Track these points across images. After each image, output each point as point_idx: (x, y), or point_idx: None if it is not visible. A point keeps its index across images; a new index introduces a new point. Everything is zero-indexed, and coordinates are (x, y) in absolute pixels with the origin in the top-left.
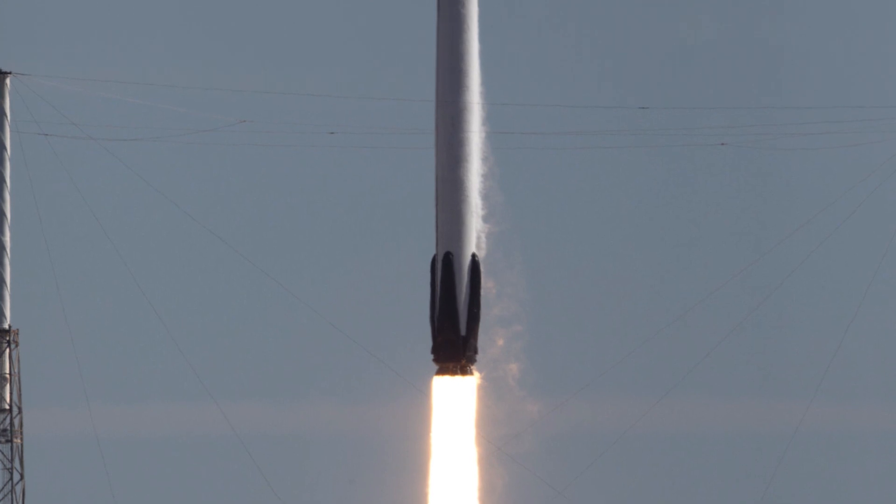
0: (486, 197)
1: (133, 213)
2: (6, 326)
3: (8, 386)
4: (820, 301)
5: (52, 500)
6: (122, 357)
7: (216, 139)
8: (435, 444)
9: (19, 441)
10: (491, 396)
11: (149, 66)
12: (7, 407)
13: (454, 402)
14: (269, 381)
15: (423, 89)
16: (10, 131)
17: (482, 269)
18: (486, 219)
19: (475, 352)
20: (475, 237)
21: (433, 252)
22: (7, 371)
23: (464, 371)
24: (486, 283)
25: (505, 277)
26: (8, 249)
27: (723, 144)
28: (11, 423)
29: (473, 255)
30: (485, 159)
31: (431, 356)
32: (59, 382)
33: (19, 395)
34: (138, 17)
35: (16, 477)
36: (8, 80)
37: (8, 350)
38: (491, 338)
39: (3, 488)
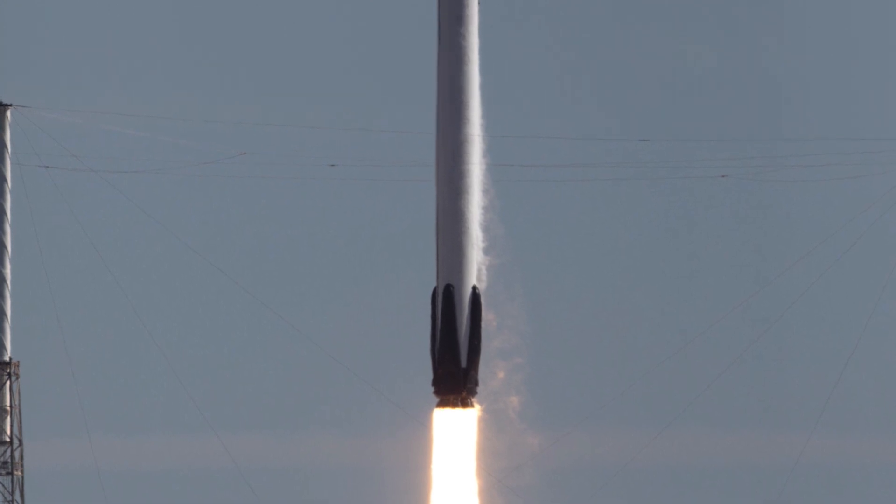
0: (486, 229)
1: (134, 245)
2: (7, 358)
3: (8, 418)
4: (820, 333)
5: None
6: (123, 389)
7: (217, 171)
8: (436, 476)
9: (20, 473)
10: (492, 429)
11: (149, 99)
12: (7, 439)
13: (455, 434)
14: (270, 413)
15: (424, 121)
16: (11, 163)
17: (483, 301)
18: (486, 251)
19: (476, 384)
20: (476, 269)
21: (434, 284)
22: (7, 403)
23: (464, 403)
24: (487, 316)
25: (505, 310)
26: (9, 281)
27: (723, 177)
28: (12, 456)
29: (474, 288)
30: (485, 191)
31: (432, 388)
32: (60, 414)
33: (20, 428)
34: (138, 50)
35: None
36: (9, 113)
37: (8, 382)
38: (491, 370)
39: None
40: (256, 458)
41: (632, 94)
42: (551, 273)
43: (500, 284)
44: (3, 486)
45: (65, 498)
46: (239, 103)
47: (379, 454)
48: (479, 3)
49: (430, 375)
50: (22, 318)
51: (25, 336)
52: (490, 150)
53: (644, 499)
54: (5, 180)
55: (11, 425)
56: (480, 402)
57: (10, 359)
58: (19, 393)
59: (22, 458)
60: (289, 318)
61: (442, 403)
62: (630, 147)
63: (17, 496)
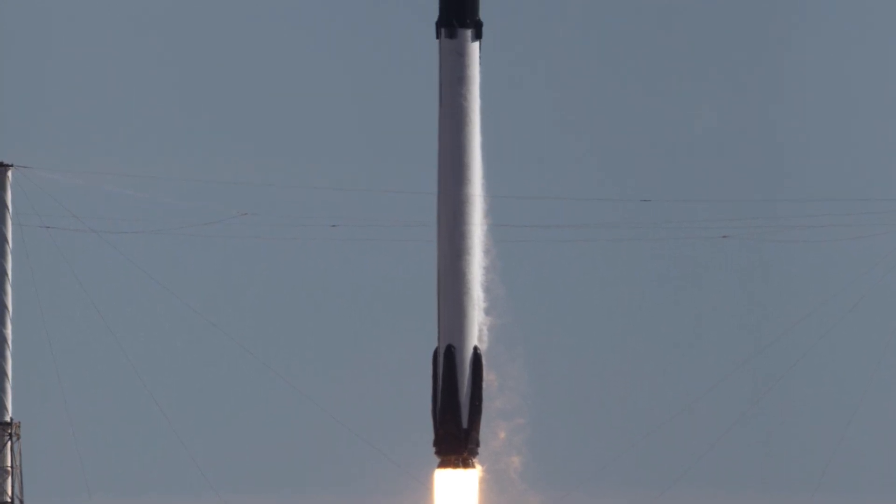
0: (487, 290)
1: (134, 305)
2: (7, 419)
3: (9, 479)
4: (822, 394)
5: None
6: (124, 450)
7: (218, 232)
8: None
9: None
10: (493, 489)
11: (150, 159)
12: (9, 500)
13: (456, 494)
14: (272, 473)
15: (425, 182)
16: (12, 224)
17: (484, 361)
18: (487, 311)
19: (477, 445)
20: (477, 330)
21: (435, 345)
22: (8, 464)
23: (465, 464)
24: (488, 376)
25: (507, 370)
26: (9, 342)
27: (725, 237)
28: None
29: (475, 348)
30: (487, 252)
31: (433, 449)
32: (61, 475)
33: (20, 489)
34: (139, 110)
35: None
36: (9, 173)
37: (9, 443)
38: (493, 431)
39: None
40: None
41: (633, 155)
42: (552, 333)
43: (501, 345)
44: None
45: None
46: (239, 164)
47: None
48: (480, 64)
49: (431, 436)
50: (23, 378)
51: (26, 396)
52: (491, 211)
53: None
54: (6, 240)
55: (12, 486)
56: (482, 463)
57: (11, 419)
58: (20, 453)
59: None
60: (290, 378)
61: (443, 464)
62: (631, 207)
63: None
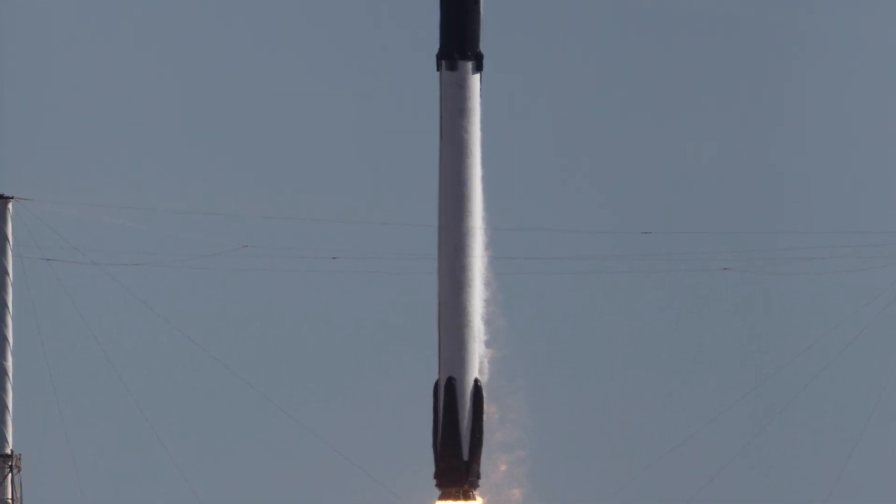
0: (488, 322)
1: (135, 337)
2: (8, 451)
3: None
4: (822, 427)
5: None
6: (125, 483)
7: (218, 264)
8: None
9: None
10: None
11: (150, 191)
12: None
13: None
14: None
15: (426, 214)
16: (13, 256)
17: (485, 393)
18: (488, 343)
19: (478, 477)
20: (478, 362)
21: (435, 377)
22: (9, 496)
23: (466, 496)
24: (489, 409)
25: (507, 403)
26: (10, 374)
27: (725, 270)
28: None
29: (476, 380)
30: (487, 284)
31: (434, 481)
32: None
33: None
34: (139, 142)
35: None
36: (10, 205)
37: (10, 475)
38: (493, 463)
39: None
40: None
41: (633, 187)
42: (553, 366)
43: (502, 377)
44: None
45: None
46: (240, 196)
47: None
48: (480, 96)
49: (431, 468)
50: (24, 410)
51: (27, 428)
52: (492, 243)
53: None
54: (7, 273)
55: None
56: (482, 495)
57: (12, 451)
58: (21, 486)
59: None
60: (291, 410)
61: (444, 496)
62: (632, 240)
63: None
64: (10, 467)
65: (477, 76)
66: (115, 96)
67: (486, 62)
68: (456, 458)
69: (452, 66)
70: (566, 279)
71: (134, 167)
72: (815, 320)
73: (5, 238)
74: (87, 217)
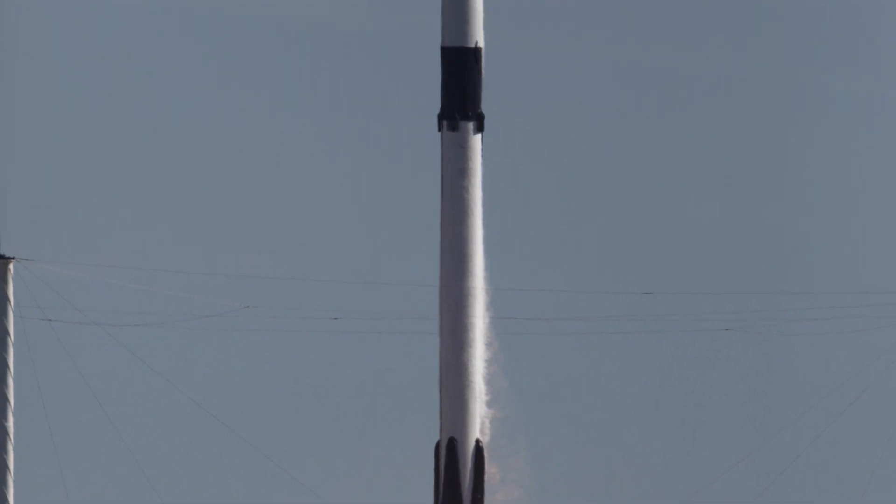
0: (490, 382)
1: (137, 398)
2: None
3: None
4: (825, 487)
5: None
6: None
7: (220, 324)
8: None
9: None
10: None
11: (152, 252)
12: None
13: None
14: None
15: (427, 274)
16: (14, 317)
17: (486, 454)
18: (490, 404)
19: None
20: (479, 423)
21: (437, 438)
22: None
23: None
24: (490, 469)
25: (509, 463)
26: (11, 435)
27: (727, 330)
28: None
29: (477, 441)
30: (489, 344)
31: None
32: None
33: None
34: (141, 203)
35: None
36: (11, 266)
37: None
38: None
39: None
40: None
41: (634, 247)
42: (555, 426)
43: (503, 438)
44: None
45: None
46: (242, 256)
47: None
48: (482, 156)
49: None
50: (24, 471)
51: (28, 489)
52: (493, 303)
53: None
54: (8, 333)
55: None
56: None
57: None
58: None
59: None
60: (292, 471)
61: None
62: (633, 300)
63: None
64: None
65: (478, 136)
66: (116, 157)
67: (487, 122)
68: None
69: (454, 127)
70: (567, 339)
71: (135, 228)
72: (818, 380)
73: (6, 298)
74: (88, 277)
